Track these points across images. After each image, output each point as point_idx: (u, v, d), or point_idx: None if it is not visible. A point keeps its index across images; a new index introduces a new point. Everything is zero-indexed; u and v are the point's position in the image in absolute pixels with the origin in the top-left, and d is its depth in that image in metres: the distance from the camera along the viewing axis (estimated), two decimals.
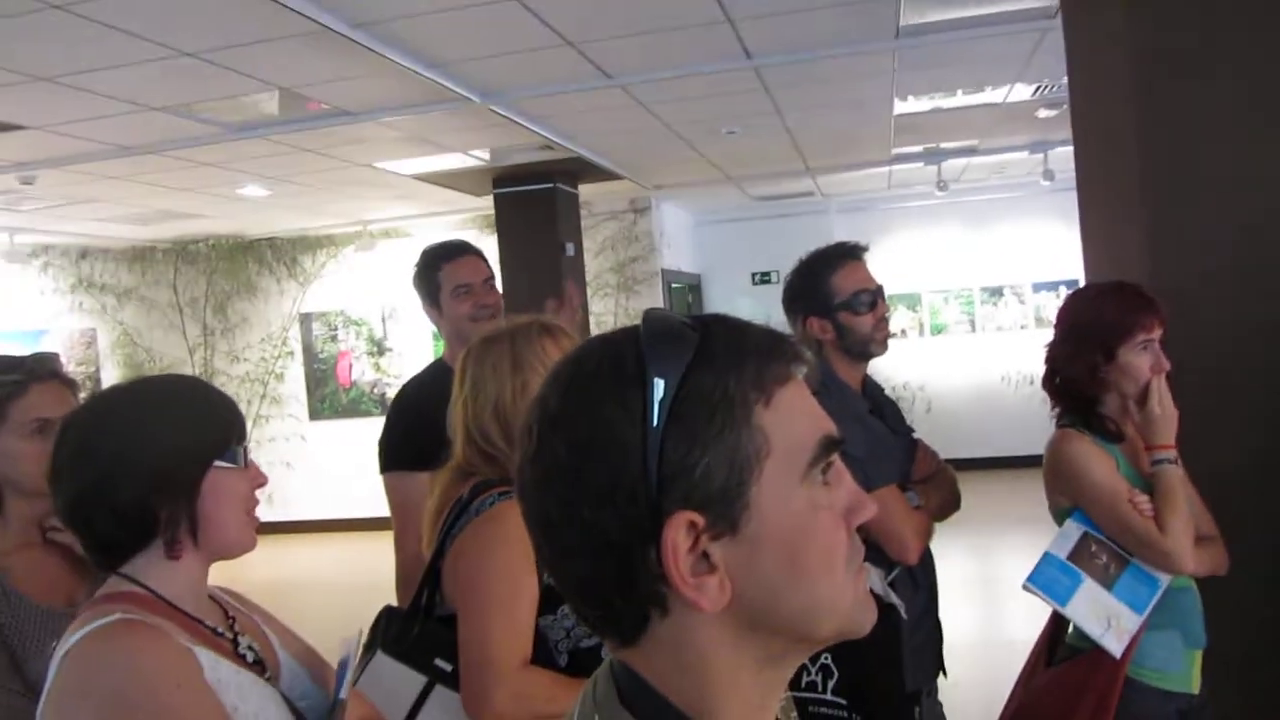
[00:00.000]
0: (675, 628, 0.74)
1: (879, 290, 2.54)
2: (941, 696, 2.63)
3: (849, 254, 2.56)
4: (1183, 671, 2.18)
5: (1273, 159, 2.53)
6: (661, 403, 0.72)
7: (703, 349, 0.74)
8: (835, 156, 8.10)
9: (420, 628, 1.82)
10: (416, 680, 1.76)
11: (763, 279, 10.82)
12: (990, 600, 6.32)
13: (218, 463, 1.40)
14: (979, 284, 10.83)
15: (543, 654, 1.76)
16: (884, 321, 2.53)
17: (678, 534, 0.71)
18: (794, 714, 1.00)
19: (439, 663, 1.75)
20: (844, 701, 2.22)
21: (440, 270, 2.84)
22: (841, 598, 0.76)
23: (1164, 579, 2.13)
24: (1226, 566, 2.20)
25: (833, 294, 2.49)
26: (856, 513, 0.78)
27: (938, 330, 10.93)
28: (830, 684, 2.23)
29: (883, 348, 2.52)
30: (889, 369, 10.18)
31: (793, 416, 0.76)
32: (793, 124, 6.63)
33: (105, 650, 1.27)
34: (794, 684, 2.22)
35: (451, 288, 2.82)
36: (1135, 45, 2.64)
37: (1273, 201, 2.52)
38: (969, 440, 9.82)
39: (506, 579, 1.73)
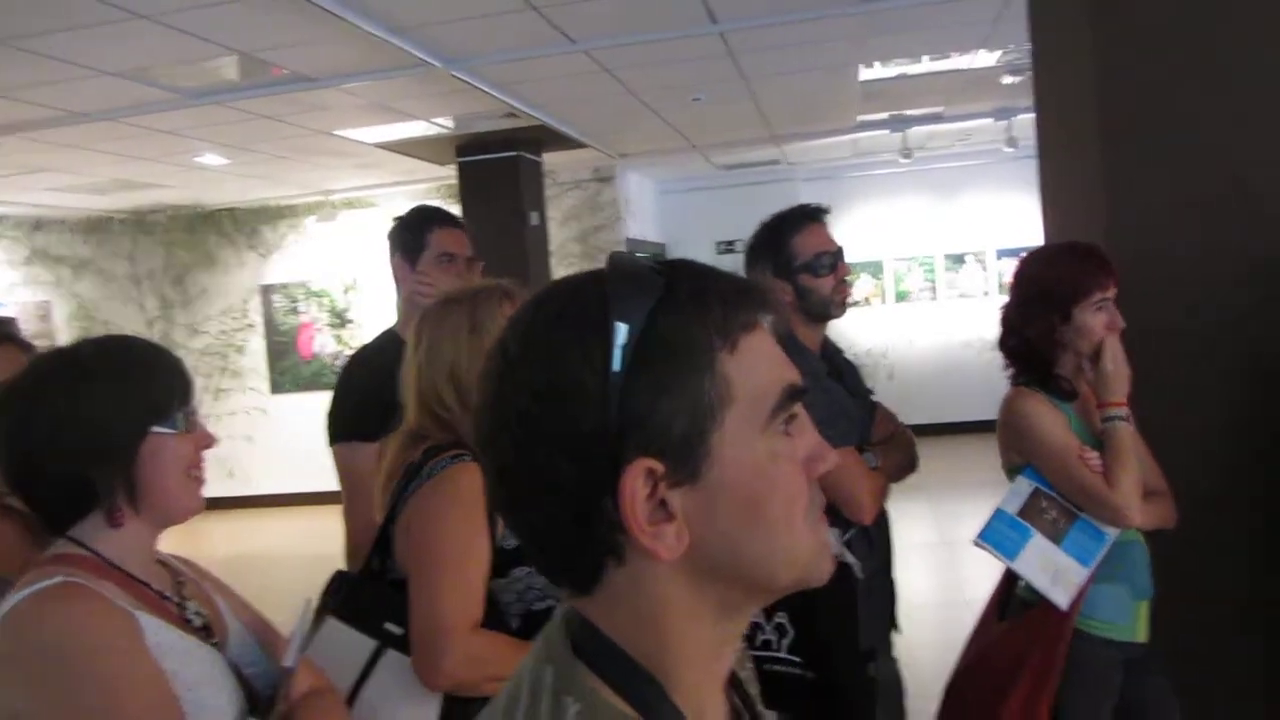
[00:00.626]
0: (632, 576, 0.73)
1: (839, 252, 2.54)
2: (899, 654, 2.67)
3: (810, 216, 2.57)
4: (1129, 622, 2.22)
5: (1231, 125, 2.55)
6: (624, 348, 0.70)
7: (668, 294, 0.73)
8: (801, 124, 8.08)
9: (371, 592, 1.81)
10: (367, 644, 1.75)
11: (727, 248, 10.82)
12: (949, 561, 6.41)
13: (155, 428, 1.38)
14: (942, 251, 10.92)
15: (494, 617, 1.76)
16: (844, 284, 2.53)
17: (636, 481, 0.70)
18: (749, 665, 1.00)
19: (389, 626, 1.74)
20: (799, 659, 2.24)
21: (431, 232, 2.76)
22: (801, 547, 0.76)
23: (1112, 533, 2.17)
24: (1174, 520, 2.24)
25: (793, 255, 2.50)
26: (817, 463, 0.77)
27: (901, 297, 11.01)
28: (785, 642, 2.24)
29: (842, 310, 2.53)
30: (853, 335, 10.24)
31: (757, 364, 0.74)
32: (758, 90, 6.61)
33: (44, 613, 1.27)
34: (749, 642, 2.24)
35: (438, 253, 2.74)
36: (1097, 9, 2.64)
37: (1230, 166, 2.55)
38: (932, 405, 9.92)
39: (458, 541, 1.72)
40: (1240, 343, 2.53)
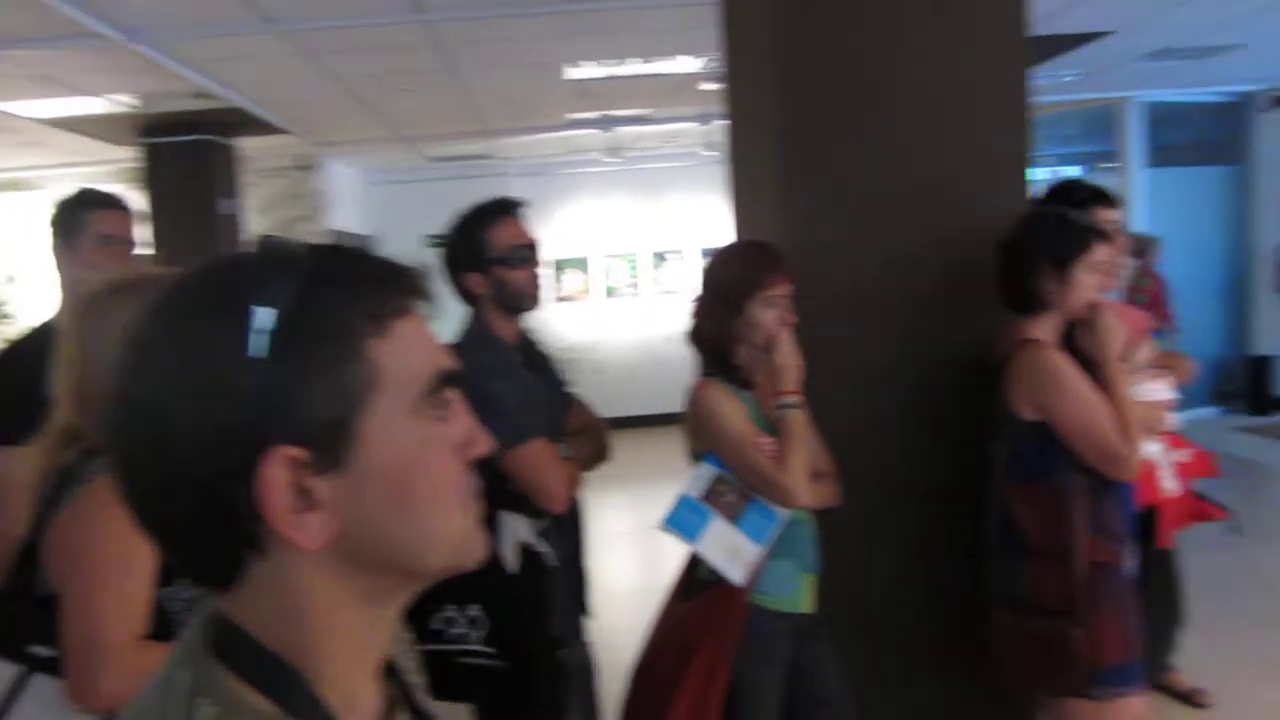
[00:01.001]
0: (274, 568, 0.71)
1: (535, 245, 2.58)
2: (599, 639, 2.75)
3: (505, 209, 2.59)
4: (797, 594, 2.40)
5: (901, 132, 2.76)
6: (267, 332, 0.68)
7: (316, 276, 0.71)
8: (511, 119, 8.10)
9: (14, 612, 1.64)
10: (9, 670, 1.59)
11: (437, 241, 10.71)
12: (649, 547, 6.63)
13: None
14: (648, 248, 11.33)
15: (162, 628, 1.63)
16: (539, 276, 2.58)
17: (277, 470, 0.68)
18: (410, 655, 0.99)
19: (36, 649, 1.59)
20: (492, 650, 2.26)
21: (90, 213, 2.63)
22: (452, 532, 0.76)
23: (783, 513, 2.33)
24: (838, 500, 2.44)
25: (489, 249, 2.51)
26: (470, 447, 0.78)
27: (609, 293, 11.34)
28: (479, 634, 2.26)
29: (537, 302, 2.57)
30: (562, 330, 10.40)
31: (408, 349, 0.74)
32: (467, 84, 6.56)
33: None
34: (441, 636, 2.24)
35: (97, 235, 2.59)
36: (778, 17, 2.80)
37: (903, 170, 2.75)
38: (638, 398, 10.22)
39: (117, 549, 1.57)
40: (907, 339, 2.76)
